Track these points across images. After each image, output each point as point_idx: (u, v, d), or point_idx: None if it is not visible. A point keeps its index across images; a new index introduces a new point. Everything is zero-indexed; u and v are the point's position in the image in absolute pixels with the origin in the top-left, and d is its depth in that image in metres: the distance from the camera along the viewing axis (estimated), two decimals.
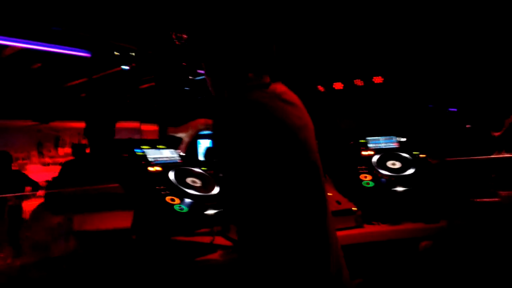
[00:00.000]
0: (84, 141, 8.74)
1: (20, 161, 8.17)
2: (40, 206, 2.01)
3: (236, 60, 1.35)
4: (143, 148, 1.86)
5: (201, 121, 1.70)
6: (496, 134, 2.95)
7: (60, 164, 8.35)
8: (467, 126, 3.03)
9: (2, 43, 4.97)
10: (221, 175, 1.83)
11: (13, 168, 5.03)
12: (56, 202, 2.06)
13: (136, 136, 8.03)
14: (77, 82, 7.38)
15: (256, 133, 1.22)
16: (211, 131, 1.47)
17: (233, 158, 1.24)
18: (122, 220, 1.81)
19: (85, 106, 7.62)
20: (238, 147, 1.22)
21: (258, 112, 1.24)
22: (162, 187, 1.68)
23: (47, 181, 5.68)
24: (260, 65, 1.36)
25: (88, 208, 2.04)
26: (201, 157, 2.18)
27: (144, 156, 1.82)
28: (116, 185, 1.82)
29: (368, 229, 2.17)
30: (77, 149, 6.28)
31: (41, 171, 8.35)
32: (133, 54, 5.33)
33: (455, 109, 7.46)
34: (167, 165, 1.83)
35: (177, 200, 1.65)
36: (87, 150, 7.43)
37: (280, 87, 1.36)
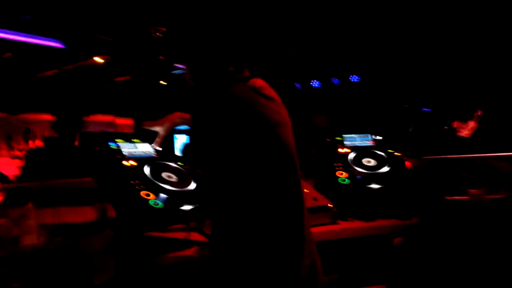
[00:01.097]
0: (56, 135, 8.53)
1: None
2: (6, 198, 1.95)
3: (216, 52, 1.33)
4: (118, 142, 1.82)
5: (177, 115, 1.68)
6: (464, 133, 3.04)
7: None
8: (445, 127, 3.08)
9: None
10: (197, 169, 1.81)
11: None
12: (23, 195, 2.00)
13: (111, 130, 7.88)
14: (49, 73, 7.17)
15: (235, 125, 1.21)
16: (188, 124, 1.45)
17: (210, 149, 1.23)
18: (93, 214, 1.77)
19: (54, 99, 7.41)
20: (216, 138, 1.22)
21: (237, 105, 1.23)
22: (137, 181, 1.65)
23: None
24: (240, 59, 1.35)
25: (59, 201, 1.98)
26: (178, 152, 2.15)
27: (119, 150, 1.78)
28: (89, 179, 1.77)
29: (343, 225, 2.19)
30: (49, 142, 6.11)
31: (10, 164, 8.08)
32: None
33: (430, 110, 7.63)
34: (142, 160, 1.80)
35: (152, 195, 1.62)
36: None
37: (259, 82, 1.36)
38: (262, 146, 1.24)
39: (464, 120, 3.02)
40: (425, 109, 7.79)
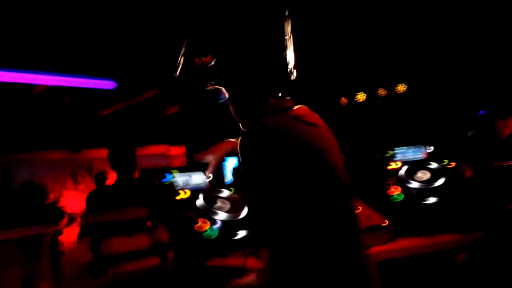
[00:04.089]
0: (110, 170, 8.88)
1: (56, 191, 8.40)
2: (77, 240, 2.07)
3: (257, 86, 1.38)
4: (172, 174, 1.90)
5: (228, 143, 1.73)
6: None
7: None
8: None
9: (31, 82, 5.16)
10: (248, 199, 1.84)
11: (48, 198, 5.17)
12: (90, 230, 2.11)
13: (164, 161, 8.16)
14: (107, 112, 7.58)
15: (281, 157, 1.23)
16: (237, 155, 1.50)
17: (260, 184, 1.25)
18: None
19: (108, 134, 7.80)
20: (264, 173, 1.24)
21: (282, 137, 1.25)
22: (191, 213, 1.71)
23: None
24: (281, 90, 1.38)
25: (120, 233, 2.07)
26: (229, 176, 2.20)
27: (173, 184, 1.86)
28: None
29: (402, 243, 2.12)
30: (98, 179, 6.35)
31: (76, 199, 8.54)
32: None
33: (484, 112, 7.24)
34: (195, 190, 1.87)
35: (206, 225, 1.67)
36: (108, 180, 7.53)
37: (302, 110, 1.38)
38: (310, 174, 1.25)
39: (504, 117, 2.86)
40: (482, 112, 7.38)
